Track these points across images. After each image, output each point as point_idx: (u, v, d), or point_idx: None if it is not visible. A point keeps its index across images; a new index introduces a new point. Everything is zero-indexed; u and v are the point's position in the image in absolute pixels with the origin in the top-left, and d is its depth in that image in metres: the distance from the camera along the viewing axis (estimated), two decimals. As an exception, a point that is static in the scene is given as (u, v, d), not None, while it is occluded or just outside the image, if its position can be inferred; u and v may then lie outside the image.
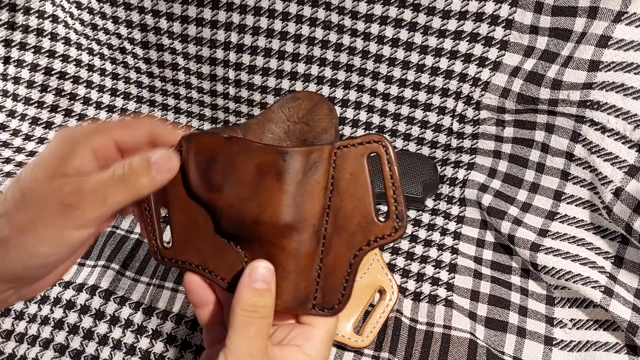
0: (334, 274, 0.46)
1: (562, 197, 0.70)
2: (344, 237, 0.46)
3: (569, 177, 0.69)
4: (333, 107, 0.52)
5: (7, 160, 0.82)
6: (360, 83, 0.79)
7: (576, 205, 0.69)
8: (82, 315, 0.67)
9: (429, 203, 0.79)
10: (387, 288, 0.67)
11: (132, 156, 0.46)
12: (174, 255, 0.49)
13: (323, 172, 0.46)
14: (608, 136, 0.64)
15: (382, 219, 0.48)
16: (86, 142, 0.45)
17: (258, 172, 0.45)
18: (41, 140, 0.86)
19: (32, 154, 0.84)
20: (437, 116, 0.79)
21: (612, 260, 0.67)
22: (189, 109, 0.87)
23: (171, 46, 0.82)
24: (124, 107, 0.88)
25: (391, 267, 0.73)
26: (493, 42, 0.73)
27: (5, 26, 0.86)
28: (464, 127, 0.78)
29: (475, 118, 0.77)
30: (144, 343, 0.65)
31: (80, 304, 0.68)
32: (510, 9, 0.71)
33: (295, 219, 0.45)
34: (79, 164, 0.44)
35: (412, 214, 0.78)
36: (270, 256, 0.46)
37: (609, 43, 0.63)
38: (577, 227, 0.69)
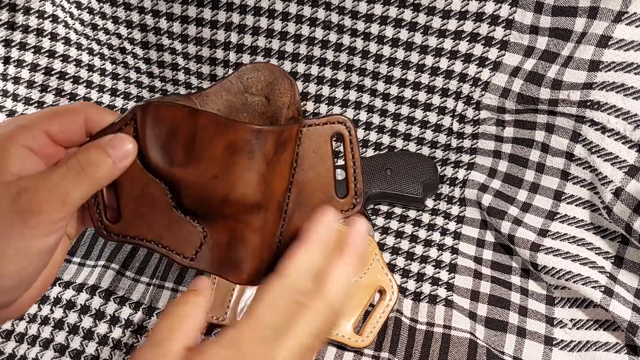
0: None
1: (562, 197, 0.70)
2: (305, 211, 0.48)
3: (569, 177, 0.69)
4: (295, 82, 0.50)
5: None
6: (360, 83, 0.79)
7: (576, 205, 0.69)
8: (82, 315, 0.67)
9: (429, 203, 0.79)
10: (387, 288, 0.67)
11: (79, 147, 0.44)
12: (123, 230, 0.46)
13: (291, 150, 0.47)
14: (608, 136, 0.64)
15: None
16: (16, 141, 0.41)
17: (228, 150, 0.44)
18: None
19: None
20: (437, 116, 0.79)
21: (612, 260, 0.67)
22: (189, 109, 0.87)
23: (171, 46, 0.82)
24: (124, 107, 0.88)
25: (391, 267, 0.73)
26: (493, 42, 0.73)
27: (5, 26, 0.85)
28: (464, 127, 0.78)
29: (475, 118, 0.77)
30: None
31: (80, 304, 0.68)
32: (510, 9, 0.71)
33: (264, 197, 0.46)
34: (17, 167, 0.40)
35: (412, 214, 0.78)
36: (234, 232, 0.46)
37: (609, 43, 0.63)
38: (577, 227, 0.69)
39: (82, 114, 0.44)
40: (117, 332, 0.66)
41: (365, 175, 0.76)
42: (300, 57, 0.80)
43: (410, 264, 0.73)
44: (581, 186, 0.68)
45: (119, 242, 0.49)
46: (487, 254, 0.74)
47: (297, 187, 0.49)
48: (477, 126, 0.77)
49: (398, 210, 0.79)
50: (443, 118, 0.78)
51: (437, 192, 0.80)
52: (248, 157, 0.44)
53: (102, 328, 0.66)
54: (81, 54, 0.87)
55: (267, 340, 0.38)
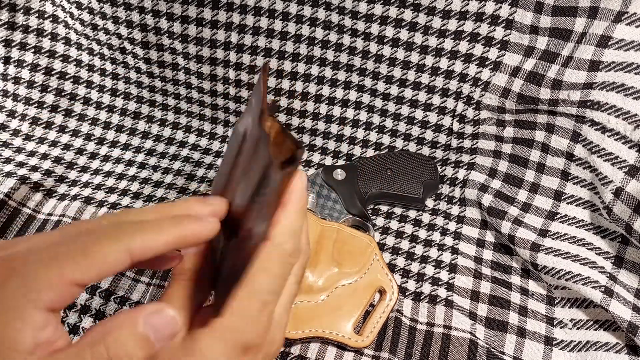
0: None
1: (562, 197, 0.70)
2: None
3: (569, 177, 0.69)
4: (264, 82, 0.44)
5: (7, 160, 0.82)
6: (360, 83, 0.79)
7: (576, 205, 0.69)
8: (82, 316, 0.67)
9: (429, 203, 0.79)
10: (387, 288, 0.67)
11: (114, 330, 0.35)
12: None
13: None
14: (608, 136, 0.64)
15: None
16: (36, 301, 0.33)
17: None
18: (41, 140, 0.86)
19: (32, 153, 0.84)
20: (438, 116, 0.79)
21: (612, 261, 0.67)
22: (189, 109, 0.87)
23: (171, 46, 0.82)
24: (124, 107, 0.88)
25: (391, 267, 0.73)
26: (493, 42, 0.73)
27: (6, 26, 0.85)
28: (464, 127, 0.78)
29: (475, 118, 0.77)
30: (144, 343, 0.65)
31: (81, 304, 0.67)
32: (510, 9, 0.71)
33: None
34: (29, 342, 0.32)
35: (412, 214, 0.78)
36: None
37: (609, 43, 0.63)
38: (577, 227, 0.69)
39: (175, 232, 0.37)
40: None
41: (366, 176, 0.76)
42: (300, 57, 0.80)
43: (411, 264, 0.73)
44: (581, 186, 0.68)
45: None
46: (487, 254, 0.74)
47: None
48: (477, 126, 0.77)
49: (398, 211, 0.79)
50: (443, 118, 0.78)
51: (438, 192, 0.80)
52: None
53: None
54: (81, 54, 0.87)
55: (267, 304, 0.39)
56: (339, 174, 0.75)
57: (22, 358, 0.31)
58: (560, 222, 0.70)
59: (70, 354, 0.33)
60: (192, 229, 0.37)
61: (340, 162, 0.83)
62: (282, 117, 0.83)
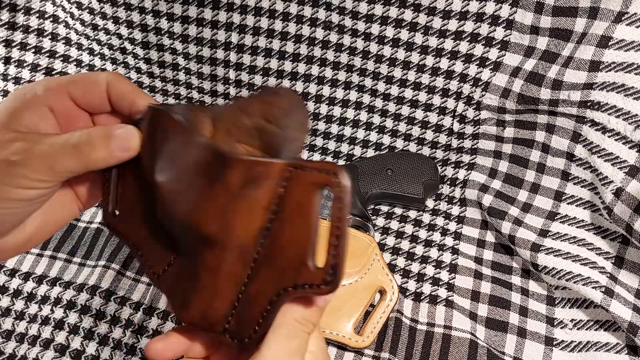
0: (253, 305, 0.39)
1: (563, 198, 0.70)
2: (273, 269, 0.39)
3: (570, 178, 0.69)
4: (308, 115, 0.45)
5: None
6: (360, 83, 0.79)
7: (577, 206, 0.69)
8: (82, 316, 0.67)
9: (430, 203, 0.79)
10: (387, 288, 0.67)
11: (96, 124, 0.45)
12: (116, 223, 0.46)
13: (267, 190, 0.40)
14: (609, 136, 0.64)
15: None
16: (39, 98, 0.43)
17: (194, 168, 0.41)
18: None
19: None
20: (438, 116, 0.79)
21: (613, 261, 0.67)
22: (189, 109, 0.87)
23: (172, 46, 0.82)
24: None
25: (392, 267, 0.73)
26: (494, 43, 0.73)
27: (6, 26, 0.86)
28: (465, 128, 0.78)
29: (475, 118, 0.77)
30: (144, 343, 0.65)
31: (81, 304, 0.68)
32: (510, 9, 0.71)
33: (220, 232, 0.40)
34: (31, 120, 0.42)
35: (412, 214, 0.78)
36: (190, 265, 0.42)
37: (610, 43, 0.63)
38: (577, 227, 0.69)
39: (104, 82, 0.44)
40: (117, 332, 0.66)
41: (366, 176, 0.76)
42: (300, 58, 0.80)
43: (411, 264, 0.73)
44: (582, 186, 0.68)
45: (113, 233, 0.47)
46: (488, 255, 0.74)
47: (272, 238, 0.40)
48: (478, 126, 0.77)
49: (398, 211, 0.79)
50: (443, 118, 0.78)
51: (438, 192, 0.80)
52: (208, 183, 0.41)
53: (102, 328, 0.66)
54: (82, 54, 0.87)
55: None
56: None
57: None
58: (560, 222, 0.70)
59: (55, 135, 0.42)
60: (123, 83, 0.45)
61: (341, 162, 0.83)
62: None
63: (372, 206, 0.79)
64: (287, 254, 0.39)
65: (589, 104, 0.65)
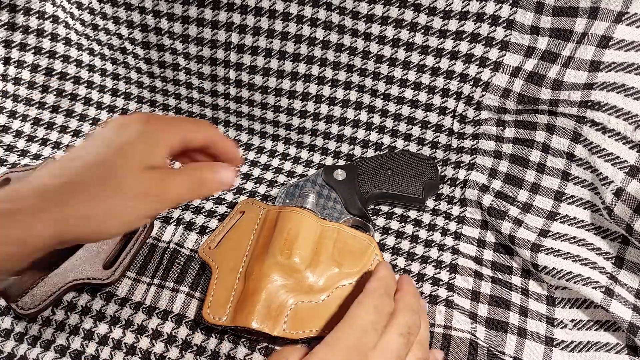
0: None
1: (563, 198, 0.70)
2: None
3: (570, 178, 0.69)
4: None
5: (14, 166, 0.82)
6: (361, 83, 0.79)
7: (577, 206, 0.69)
8: (82, 317, 0.67)
9: (430, 203, 0.79)
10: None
11: (199, 162, 0.56)
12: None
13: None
14: (609, 137, 0.64)
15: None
16: (168, 137, 0.51)
17: None
18: (44, 142, 0.86)
19: (37, 157, 0.84)
20: (438, 116, 0.79)
21: (613, 261, 0.67)
22: (190, 110, 0.87)
23: (172, 46, 0.82)
24: (124, 107, 0.88)
25: (392, 267, 0.73)
26: (494, 43, 0.73)
27: (6, 27, 0.86)
28: (465, 128, 0.78)
29: (476, 118, 0.77)
30: (144, 343, 0.65)
31: (82, 305, 0.68)
32: (511, 9, 0.71)
33: None
34: (162, 157, 0.50)
35: (412, 214, 0.78)
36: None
37: (610, 43, 0.63)
38: (577, 227, 0.69)
39: (212, 132, 0.55)
40: (117, 332, 0.66)
41: (366, 176, 0.76)
42: (301, 58, 0.80)
43: (411, 264, 0.73)
44: (582, 187, 0.68)
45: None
46: (488, 255, 0.74)
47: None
48: (478, 126, 0.77)
49: (399, 211, 0.79)
50: (444, 118, 0.78)
51: (438, 192, 0.80)
52: None
53: (102, 328, 0.66)
54: (82, 55, 0.87)
55: (368, 334, 0.52)
56: (340, 174, 0.75)
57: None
58: (560, 222, 0.70)
59: (179, 174, 0.51)
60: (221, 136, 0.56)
61: (341, 162, 0.83)
62: (282, 118, 0.83)
63: (372, 206, 0.79)
64: None
65: (589, 104, 0.65)
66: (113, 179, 0.48)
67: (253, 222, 0.70)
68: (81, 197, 0.47)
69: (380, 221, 0.78)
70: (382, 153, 0.81)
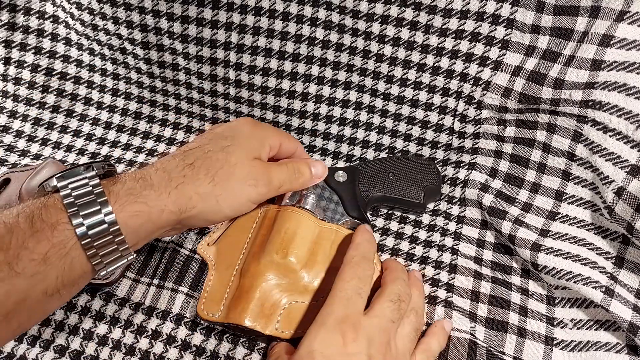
0: None
1: (563, 197, 0.70)
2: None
3: (570, 177, 0.69)
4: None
5: (14, 166, 0.82)
6: (361, 83, 0.79)
7: (577, 206, 0.69)
8: (82, 317, 0.67)
9: (430, 204, 0.79)
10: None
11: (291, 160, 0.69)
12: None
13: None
14: (610, 136, 0.64)
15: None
16: (270, 139, 0.66)
17: None
18: (44, 142, 0.86)
19: (37, 156, 0.84)
20: (438, 116, 0.78)
21: (613, 261, 0.66)
22: (189, 110, 0.87)
23: (172, 46, 0.82)
24: (125, 107, 0.88)
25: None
26: (494, 42, 0.73)
27: (6, 27, 0.86)
28: (466, 127, 0.77)
29: (476, 117, 0.76)
30: (143, 343, 0.65)
31: (81, 305, 0.68)
32: (511, 8, 0.71)
33: None
34: (265, 153, 0.65)
35: (412, 214, 0.78)
36: None
37: (611, 42, 0.63)
38: (578, 227, 0.69)
39: (297, 147, 0.71)
40: (116, 333, 0.66)
41: (367, 179, 0.76)
42: (300, 57, 0.79)
43: (410, 265, 0.73)
44: (582, 186, 0.68)
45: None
46: (488, 255, 0.74)
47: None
48: (479, 125, 0.77)
49: (398, 212, 0.79)
50: (444, 118, 0.78)
51: (440, 195, 0.80)
52: None
53: (101, 329, 0.66)
54: (82, 55, 0.87)
55: (353, 300, 0.58)
56: (341, 176, 0.75)
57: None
58: (561, 222, 0.69)
59: (280, 167, 0.67)
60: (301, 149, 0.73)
61: (341, 163, 0.83)
62: (282, 118, 0.83)
63: (371, 209, 0.79)
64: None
65: (590, 103, 0.65)
66: (230, 165, 0.59)
67: (252, 219, 0.70)
68: (202, 178, 0.57)
69: (380, 222, 0.78)
70: (384, 157, 0.81)
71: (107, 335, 0.66)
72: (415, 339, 0.61)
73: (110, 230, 0.51)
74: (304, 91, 0.81)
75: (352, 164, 0.81)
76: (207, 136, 0.62)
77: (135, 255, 0.55)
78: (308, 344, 0.53)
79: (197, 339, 0.66)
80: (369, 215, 0.75)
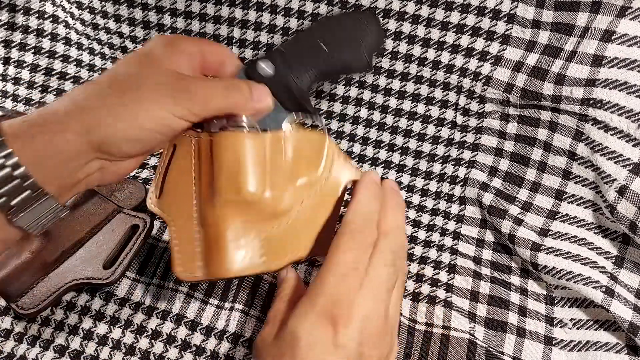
0: None
1: (564, 197, 0.69)
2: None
3: (571, 177, 0.68)
4: None
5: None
6: (361, 79, 0.79)
7: (577, 205, 0.68)
8: (82, 317, 0.67)
9: (429, 203, 0.78)
10: (357, 179, 0.59)
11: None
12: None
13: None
14: (611, 135, 0.63)
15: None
16: (187, 43, 0.54)
17: None
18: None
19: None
20: (440, 110, 0.78)
21: (613, 261, 0.66)
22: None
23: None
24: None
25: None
26: (495, 37, 0.72)
27: (5, 27, 0.86)
28: (469, 120, 0.77)
29: (479, 111, 0.76)
30: (143, 343, 0.66)
31: (81, 305, 0.68)
32: (512, 3, 0.70)
33: None
34: (181, 64, 0.52)
35: (411, 214, 0.78)
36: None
37: (613, 38, 0.62)
38: (578, 226, 0.68)
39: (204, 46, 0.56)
40: (116, 333, 0.66)
41: (297, 60, 0.61)
42: (302, 54, 0.79)
43: (410, 265, 0.73)
44: (583, 185, 0.68)
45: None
46: (487, 254, 0.74)
47: None
48: (482, 119, 0.76)
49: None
50: (445, 112, 0.78)
51: (383, 44, 0.74)
52: None
53: (101, 328, 0.67)
54: (82, 54, 0.87)
55: (350, 276, 0.50)
56: (265, 67, 0.59)
57: None
58: (561, 221, 0.69)
59: (207, 78, 0.56)
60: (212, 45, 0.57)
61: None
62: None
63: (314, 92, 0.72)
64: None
65: (591, 102, 0.64)
66: (140, 76, 0.49)
67: (189, 156, 0.58)
68: (106, 89, 0.48)
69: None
70: (308, 25, 0.72)
71: (107, 335, 0.66)
72: (402, 293, 0.57)
73: (15, 173, 0.45)
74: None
75: (273, 49, 0.68)
76: (116, 64, 0.52)
77: (62, 206, 0.49)
78: (294, 325, 0.49)
79: (197, 338, 0.66)
80: (312, 102, 0.64)
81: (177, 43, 0.53)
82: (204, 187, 0.56)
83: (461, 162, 0.78)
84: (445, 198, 0.79)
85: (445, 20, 0.73)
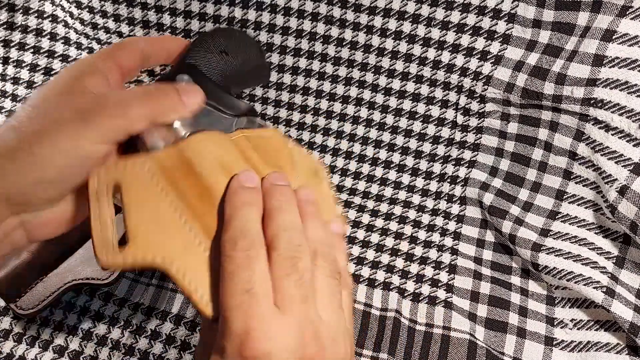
0: None
1: (564, 197, 0.69)
2: None
3: (572, 177, 0.68)
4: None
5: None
6: (362, 79, 0.79)
7: (578, 205, 0.68)
8: (81, 317, 0.67)
9: (429, 203, 0.78)
10: (318, 168, 0.52)
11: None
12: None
13: None
14: (612, 134, 0.63)
15: None
16: (95, 67, 0.44)
17: None
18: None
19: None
20: (440, 109, 0.78)
21: (614, 261, 0.66)
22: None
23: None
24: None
25: (390, 268, 0.72)
26: (495, 36, 0.72)
27: (5, 26, 0.86)
28: (469, 120, 0.77)
29: (480, 111, 0.76)
30: (142, 344, 0.66)
31: (80, 306, 0.68)
32: (512, 2, 0.70)
33: None
34: (94, 83, 0.43)
35: (412, 214, 0.77)
36: None
37: (614, 37, 0.62)
38: (578, 227, 0.68)
39: (142, 46, 0.48)
40: (115, 333, 0.66)
41: (211, 69, 0.53)
42: (301, 52, 0.79)
43: (410, 265, 0.73)
44: (583, 185, 0.68)
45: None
46: (487, 255, 0.73)
47: None
48: (482, 119, 0.76)
49: (397, 211, 0.78)
50: (446, 111, 0.77)
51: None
52: None
53: (101, 329, 0.67)
54: (81, 54, 0.87)
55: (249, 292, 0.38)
56: (184, 79, 0.51)
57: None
58: (561, 221, 0.69)
59: (124, 89, 0.46)
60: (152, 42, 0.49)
61: (340, 160, 0.82)
62: (282, 113, 0.82)
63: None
64: None
65: (592, 101, 0.64)
66: (39, 110, 0.41)
67: (154, 185, 0.43)
68: (2, 134, 0.40)
69: (380, 222, 0.77)
70: (205, 33, 0.58)
71: (106, 336, 0.66)
72: (339, 291, 0.43)
73: None
74: (305, 86, 0.80)
75: (180, 58, 0.53)
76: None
77: None
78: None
79: (196, 339, 0.66)
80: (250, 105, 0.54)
81: (84, 62, 0.45)
82: (196, 199, 0.44)
83: (462, 162, 0.78)
84: (446, 198, 0.79)
85: (445, 19, 0.73)
